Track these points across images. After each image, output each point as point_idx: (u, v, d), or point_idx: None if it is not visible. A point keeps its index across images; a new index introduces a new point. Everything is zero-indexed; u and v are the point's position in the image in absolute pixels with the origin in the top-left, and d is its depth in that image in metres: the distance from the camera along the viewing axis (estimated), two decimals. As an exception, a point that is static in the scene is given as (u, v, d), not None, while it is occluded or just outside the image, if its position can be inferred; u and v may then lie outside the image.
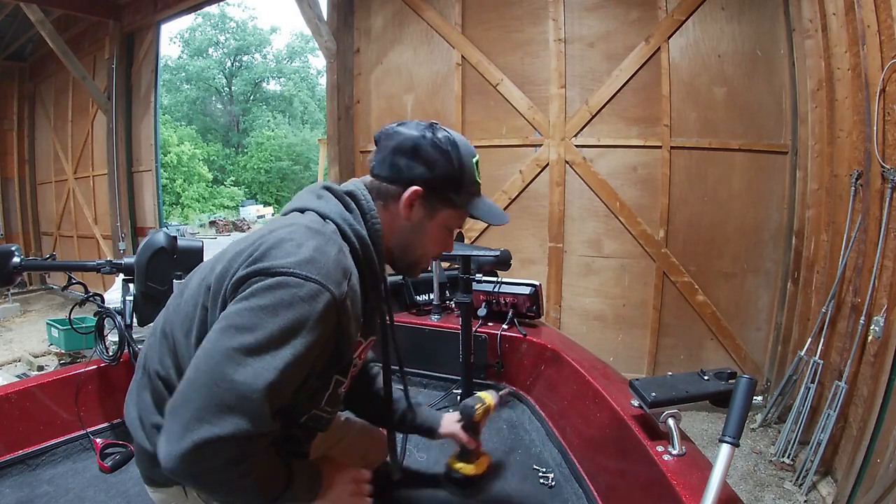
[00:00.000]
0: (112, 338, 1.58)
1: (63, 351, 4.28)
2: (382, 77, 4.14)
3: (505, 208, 3.76)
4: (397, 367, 1.07)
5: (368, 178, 0.90)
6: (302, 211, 0.84)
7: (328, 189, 0.87)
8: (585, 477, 1.26)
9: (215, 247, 1.07)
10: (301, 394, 0.78)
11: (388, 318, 0.99)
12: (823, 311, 2.73)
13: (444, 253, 0.93)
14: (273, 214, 25.67)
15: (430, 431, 1.16)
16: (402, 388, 1.14)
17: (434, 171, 0.84)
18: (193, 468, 0.64)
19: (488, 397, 1.17)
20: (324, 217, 0.81)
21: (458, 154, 0.85)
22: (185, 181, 21.77)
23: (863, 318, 2.36)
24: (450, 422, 1.16)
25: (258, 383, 0.64)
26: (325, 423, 0.92)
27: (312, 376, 0.78)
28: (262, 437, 0.67)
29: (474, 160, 0.89)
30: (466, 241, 3.16)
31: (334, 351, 0.79)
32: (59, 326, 4.16)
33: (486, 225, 3.81)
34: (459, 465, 1.14)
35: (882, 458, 2.03)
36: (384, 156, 0.86)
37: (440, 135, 0.85)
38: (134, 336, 1.53)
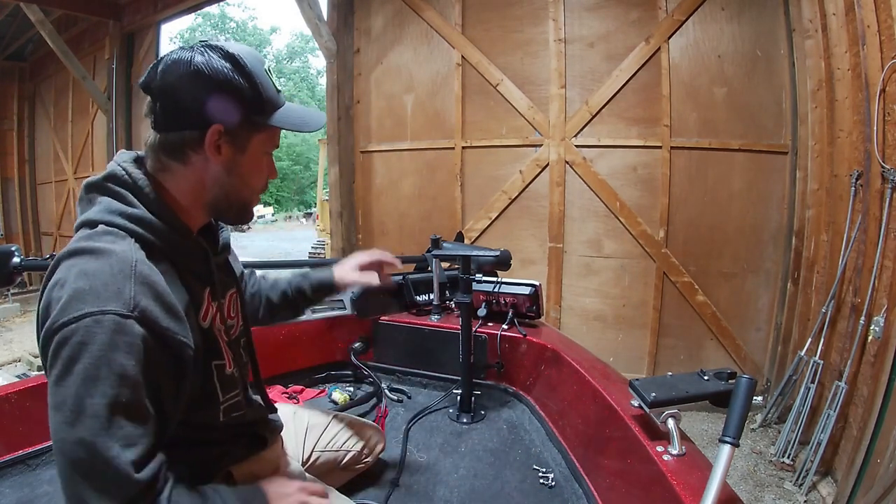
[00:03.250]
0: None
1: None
2: (382, 77, 4.14)
3: (505, 208, 3.77)
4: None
5: (155, 137, 0.75)
6: (81, 226, 0.73)
7: (92, 187, 0.75)
8: (585, 477, 1.25)
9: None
10: (193, 403, 0.74)
11: (228, 273, 0.91)
12: (823, 311, 2.73)
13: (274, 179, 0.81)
14: (273, 214, 25.68)
15: (329, 288, 1.14)
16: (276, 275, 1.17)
17: (227, 98, 0.72)
18: None
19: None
20: (91, 224, 0.71)
21: (246, 69, 0.73)
22: (185, 181, 21.78)
23: (863, 318, 2.36)
24: (344, 271, 1.14)
25: (97, 451, 0.58)
26: (243, 406, 0.87)
27: (183, 383, 0.71)
28: (145, 495, 0.61)
29: (265, 67, 0.77)
30: (466, 241, 3.16)
31: (175, 345, 0.68)
32: (59, 326, 4.15)
33: (487, 225, 3.81)
34: None
35: (882, 458, 2.04)
36: (166, 102, 0.72)
37: (217, 54, 0.72)
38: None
